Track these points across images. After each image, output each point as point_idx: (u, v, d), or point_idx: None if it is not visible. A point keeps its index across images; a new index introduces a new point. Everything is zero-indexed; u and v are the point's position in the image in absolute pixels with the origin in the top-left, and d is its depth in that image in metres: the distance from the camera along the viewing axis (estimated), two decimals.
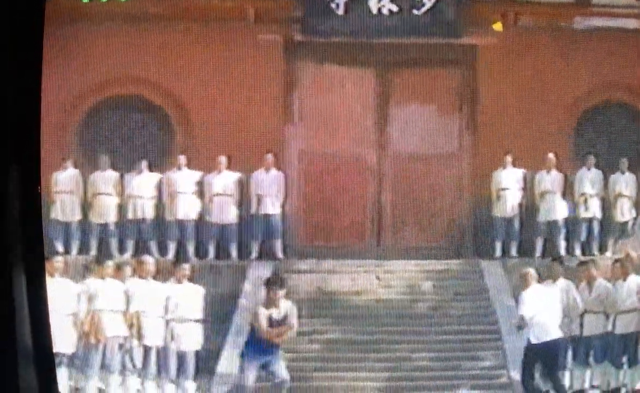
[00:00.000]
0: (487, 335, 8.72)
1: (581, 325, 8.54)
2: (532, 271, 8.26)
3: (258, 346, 7.70)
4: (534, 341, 7.94)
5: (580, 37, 9.30)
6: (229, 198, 9.46)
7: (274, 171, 9.53)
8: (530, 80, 9.35)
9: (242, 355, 7.73)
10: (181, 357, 8.39)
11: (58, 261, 8.30)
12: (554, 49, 9.33)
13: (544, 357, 8.00)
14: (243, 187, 9.51)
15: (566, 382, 8.48)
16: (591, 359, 8.49)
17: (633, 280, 8.51)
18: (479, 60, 9.49)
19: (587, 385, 8.47)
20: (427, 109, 9.52)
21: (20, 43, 5.75)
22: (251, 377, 7.59)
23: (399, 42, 9.34)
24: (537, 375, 8.04)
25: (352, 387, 8.30)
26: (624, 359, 8.37)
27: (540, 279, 8.25)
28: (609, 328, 8.46)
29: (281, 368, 7.65)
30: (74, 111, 9.39)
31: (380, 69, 9.54)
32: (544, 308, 7.97)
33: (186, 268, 8.65)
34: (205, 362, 8.41)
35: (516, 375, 8.37)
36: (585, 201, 9.53)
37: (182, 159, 9.46)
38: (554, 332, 8.01)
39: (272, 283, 8.02)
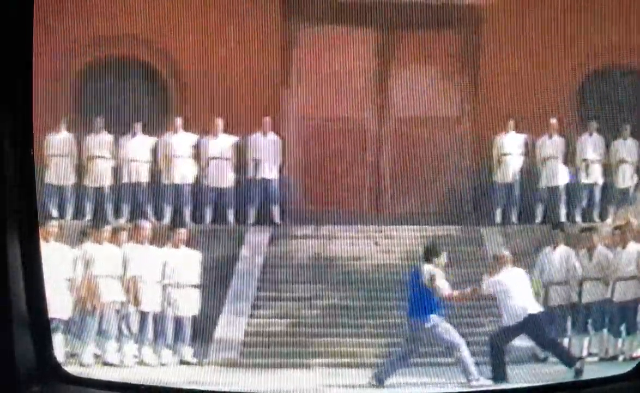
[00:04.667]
0: (486, 301, 8.68)
1: (580, 293, 8.51)
2: (507, 253, 8.09)
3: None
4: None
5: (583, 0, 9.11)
6: (226, 161, 9.31)
7: (271, 135, 9.37)
8: (533, 44, 9.17)
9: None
10: (178, 323, 8.31)
11: (53, 225, 8.15)
12: (557, 11, 9.14)
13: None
14: (240, 151, 9.37)
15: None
16: (589, 327, 8.47)
17: (633, 247, 8.46)
18: (482, 22, 9.30)
19: (585, 352, 8.45)
20: (428, 73, 9.34)
21: (10, 2, 5.53)
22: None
23: (400, 2, 9.12)
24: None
25: (350, 352, 8.27)
26: (622, 327, 8.35)
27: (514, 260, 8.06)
28: (608, 295, 8.43)
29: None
30: (67, 72, 9.15)
31: (381, 30, 9.33)
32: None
33: (183, 232, 8.54)
34: (203, 328, 8.36)
35: (515, 341, 8.35)
36: (587, 166, 9.45)
37: (178, 121, 9.28)
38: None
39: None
